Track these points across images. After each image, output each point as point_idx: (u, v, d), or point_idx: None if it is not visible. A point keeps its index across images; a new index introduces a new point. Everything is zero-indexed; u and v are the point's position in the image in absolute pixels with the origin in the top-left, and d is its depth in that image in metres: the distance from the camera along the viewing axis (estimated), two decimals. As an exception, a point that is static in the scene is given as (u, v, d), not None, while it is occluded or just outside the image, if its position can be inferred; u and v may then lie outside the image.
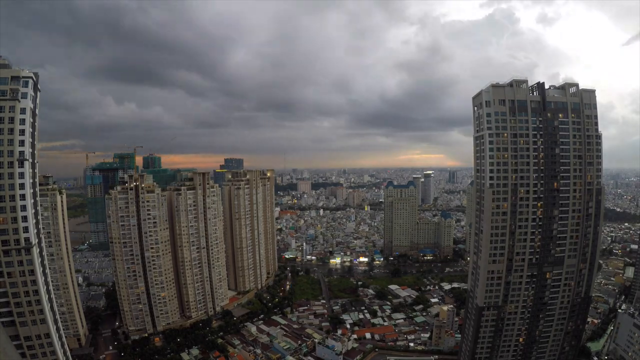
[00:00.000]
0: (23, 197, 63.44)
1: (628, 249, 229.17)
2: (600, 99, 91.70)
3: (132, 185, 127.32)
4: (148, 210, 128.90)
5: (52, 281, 79.24)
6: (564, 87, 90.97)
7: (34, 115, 66.72)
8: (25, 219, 63.84)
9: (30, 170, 65.26)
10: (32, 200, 65.96)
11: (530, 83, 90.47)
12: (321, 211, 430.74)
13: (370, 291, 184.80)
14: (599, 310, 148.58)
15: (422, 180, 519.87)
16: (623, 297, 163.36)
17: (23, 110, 63.29)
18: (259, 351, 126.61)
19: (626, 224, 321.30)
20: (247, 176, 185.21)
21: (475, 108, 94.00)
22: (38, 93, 69.29)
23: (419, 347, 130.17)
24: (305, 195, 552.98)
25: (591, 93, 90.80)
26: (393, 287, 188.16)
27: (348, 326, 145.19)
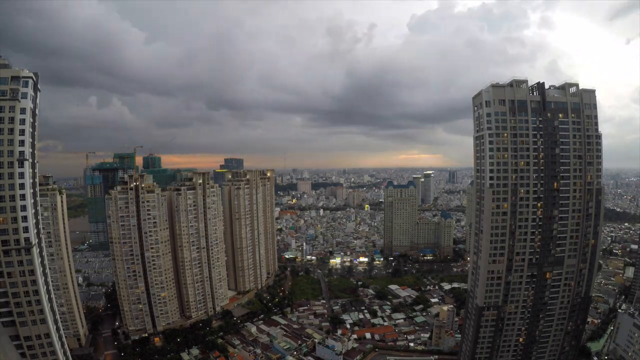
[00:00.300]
0: (23, 197, 63.42)
1: (628, 249, 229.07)
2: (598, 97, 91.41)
3: (132, 185, 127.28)
4: (148, 210, 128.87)
5: (52, 281, 79.23)
6: (564, 87, 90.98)
7: (34, 115, 66.72)
8: (25, 219, 63.84)
9: (30, 170, 65.24)
10: (32, 200, 65.95)
11: (524, 82, 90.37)
12: (321, 211, 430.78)
13: (370, 291, 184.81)
14: (599, 310, 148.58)
15: (422, 180, 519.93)
16: (623, 297, 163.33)
17: (23, 110, 63.26)
18: (259, 351, 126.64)
19: (626, 224, 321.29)
20: (247, 176, 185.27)
21: (475, 108, 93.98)
22: (38, 93, 69.29)
23: (419, 347, 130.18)
24: (305, 195, 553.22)
25: (591, 93, 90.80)
26: (393, 287, 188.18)
27: (348, 326, 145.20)
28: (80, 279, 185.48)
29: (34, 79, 65.96)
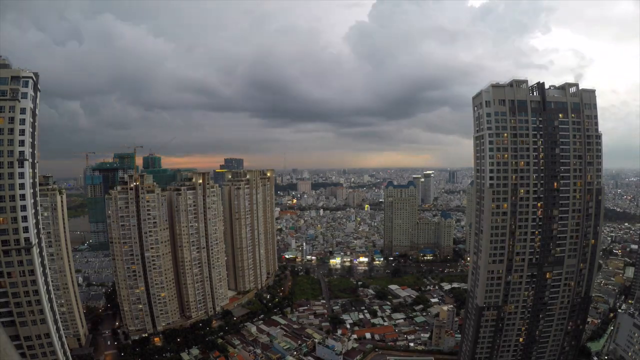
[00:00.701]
0: (23, 197, 63.37)
1: (628, 249, 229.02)
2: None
3: (132, 185, 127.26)
4: (148, 210, 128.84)
5: (52, 281, 79.16)
6: (564, 87, 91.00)
7: (34, 115, 66.68)
8: (25, 219, 63.80)
9: (30, 170, 65.19)
10: (32, 200, 65.91)
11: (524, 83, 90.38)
12: (321, 211, 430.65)
13: (370, 291, 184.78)
14: (599, 310, 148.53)
15: (422, 180, 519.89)
16: (623, 297, 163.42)
17: (23, 110, 63.19)
18: (259, 351, 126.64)
19: (626, 224, 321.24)
20: (247, 176, 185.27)
21: (475, 108, 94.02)
22: (38, 93, 69.26)
23: (419, 347, 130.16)
24: (305, 195, 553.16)
25: (591, 93, 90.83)
26: (393, 287, 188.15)
27: (348, 326, 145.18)
28: (80, 279, 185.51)
29: (34, 79, 65.94)
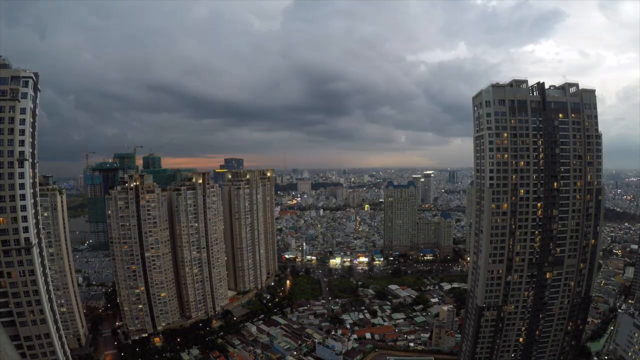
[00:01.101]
0: (23, 197, 63.43)
1: (628, 249, 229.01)
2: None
3: (132, 185, 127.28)
4: (148, 210, 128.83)
5: (52, 281, 79.29)
6: (564, 87, 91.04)
7: (34, 115, 66.71)
8: (25, 219, 63.84)
9: (30, 170, 65.28)
10: (32, 200, 65.97)
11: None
12: (321, 211, 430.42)
13: (370, 291, 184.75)
14: (599, 310, 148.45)
15: (422, 180, 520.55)
16: (623, 297, 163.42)
17: (23, 110, 63.28)
18: (259, 351, 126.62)
19: (626, 224, 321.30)
20: (247, 176, 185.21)
21: (475, 108, 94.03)
22: (38, 93, 69.33)
23: (419, 347, 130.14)
24: (305, 195, 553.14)
25: (591, 93, 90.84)
26: (393, 287, 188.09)
27: (348, 326, 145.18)
28: (80, 279, 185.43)
29: (34, 79, 65.98)
